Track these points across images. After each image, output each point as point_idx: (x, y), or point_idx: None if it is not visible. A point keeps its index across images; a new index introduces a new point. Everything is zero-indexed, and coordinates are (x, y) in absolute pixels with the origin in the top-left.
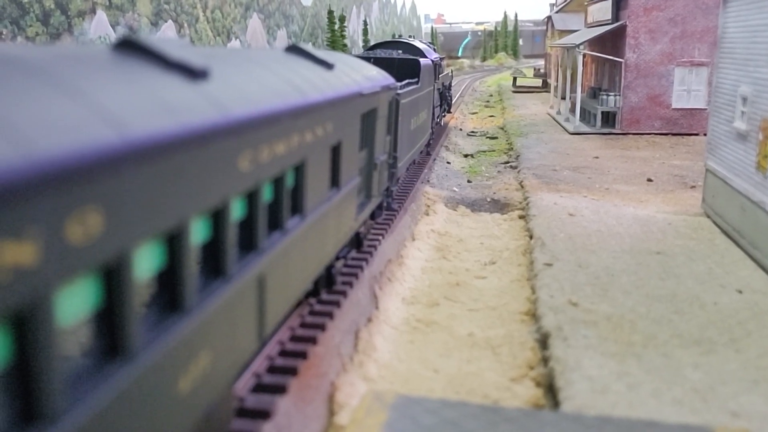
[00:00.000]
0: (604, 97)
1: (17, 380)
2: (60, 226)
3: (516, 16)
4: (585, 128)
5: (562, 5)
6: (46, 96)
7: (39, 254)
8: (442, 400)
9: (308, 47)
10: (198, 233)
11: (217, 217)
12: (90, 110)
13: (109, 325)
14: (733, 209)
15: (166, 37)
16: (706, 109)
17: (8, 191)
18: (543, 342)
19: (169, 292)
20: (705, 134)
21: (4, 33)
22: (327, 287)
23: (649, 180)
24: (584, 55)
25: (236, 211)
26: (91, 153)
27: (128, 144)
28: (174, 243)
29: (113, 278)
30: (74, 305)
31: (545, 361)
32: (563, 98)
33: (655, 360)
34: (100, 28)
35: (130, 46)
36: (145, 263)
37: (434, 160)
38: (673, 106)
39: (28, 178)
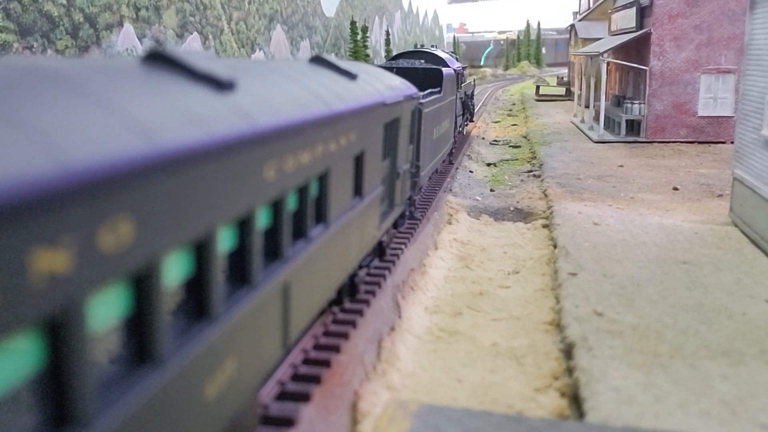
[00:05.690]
0: (629, 105)
1: (51, 384)
2: (93, 234)
3: (539, 24)
4: (609, 137)
5: (586, 13)
6: (79, 107)
7: (72, 262)
8: (466, 409)
9: (332, 58)
10: (225, 242)
11: (243, 226)
12: (121, 121)
13: (139, 331)
14: (761, 218)
15: (191, 48)
16: (733, 116)
17: (43, 200)
18: (568, 352)
19: (196, 299)
20: (732, 142)
21: (34, 46)
22: (350, 296)
23: (675, 189)
24: (608, 63)
25: (262, 220)
26: (122, 163)
27: (158, 154)
28: (201, 251)
29: (143, 286)
30: (105, 312)
31: (570, 371)
32: (587, 107)
33: (682, 371)
34: (128, 40)
35: (158, 59)
36: (174, 271)
37: (457, 168)
38: (700, 114)
39: (63, 187)
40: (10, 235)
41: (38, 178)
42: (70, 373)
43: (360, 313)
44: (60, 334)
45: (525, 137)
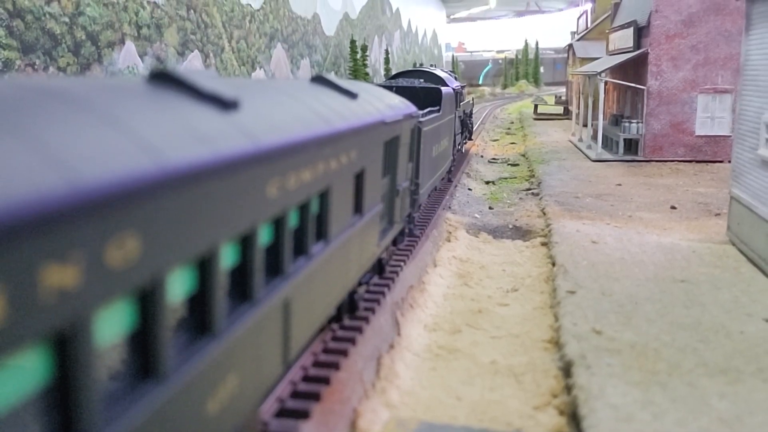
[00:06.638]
0: (627, 124)
1: (58, 398)
2: (101, 250)
3: (537, 44)
4: (607, 155)
5: (584, 33)
6: (88, 126)
7: (81, 277)
8: (465, 427)
9: (333, 77)
10: (227, 258)
11: (246, 243)
12: (128, 139)
13: (143, 346)
14: (758, 237)
15: (192, 66)
16: (730, 136)
17: (54, 217)
18: (566, 370)
19: (199, 315)
20: (729, 161)
21: (36, 63)
22: (349, 313)
23: (673, 207)
24: (606, 83)
25: (264, 236)
26: (129, 180)
27: (164, 172)
28: (205, 268)
29: (148, 301)
30: (111, 327)
31: (568, 389)
32: (585, 125)
33: (680, 389)
34: (129, 58)
35: (163, 78)
36: (178, 287)
37: (456, 186)
38: (697, 133)
39: (73, 205)
40: (21, 250)
41: (49, 195)
42: (77, 387)
43: (359, 330)
44: (67, 349)
45: (523, 155)
